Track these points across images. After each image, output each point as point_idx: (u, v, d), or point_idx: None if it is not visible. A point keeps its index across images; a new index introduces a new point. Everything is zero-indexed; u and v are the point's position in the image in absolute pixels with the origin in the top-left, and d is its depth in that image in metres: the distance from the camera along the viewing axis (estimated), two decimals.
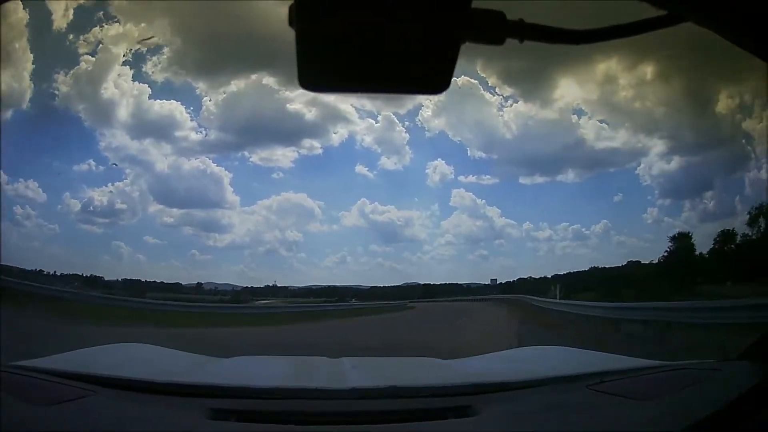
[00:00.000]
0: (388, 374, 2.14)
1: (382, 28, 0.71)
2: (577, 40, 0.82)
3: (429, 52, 0.74)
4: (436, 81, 0.77)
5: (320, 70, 0.76)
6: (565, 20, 0.81)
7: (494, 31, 0.78)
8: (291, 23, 0.70)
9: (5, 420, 1.10)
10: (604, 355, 2.24)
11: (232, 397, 1.40)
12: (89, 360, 1.92)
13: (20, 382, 1.38)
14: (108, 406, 1.32)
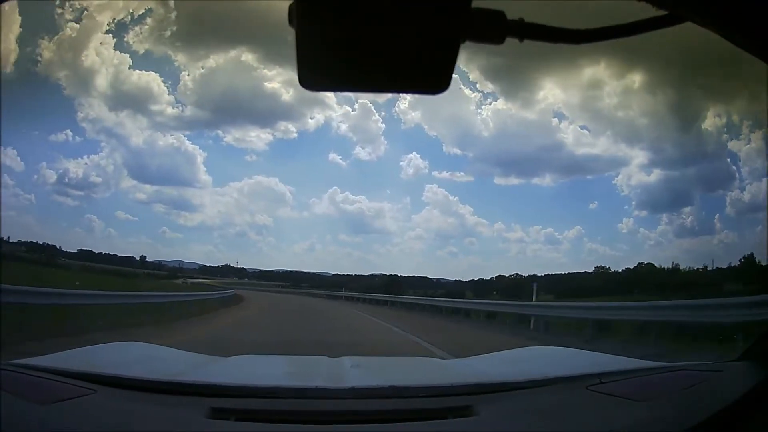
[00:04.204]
0: (388, 374, 2.14)
1: (382, 27, 0.71)
2: (577, 40, 0.82)
3: (429, 52, 0.74)
4: (436, 81, 0.77)
5: (320, 70, 0.76)
6: (565, 20, 0.81)
7: (494, 30, 0.78)
8: (291, 23, 0.70)
9: (5, 419, 1.10)
10: (604, 355, 2.24)
11: (233, 396, 1.40)
12: (89, 358, 1.92)
13: (20, 380, 1.38)
14: (108, 404, 1.32)
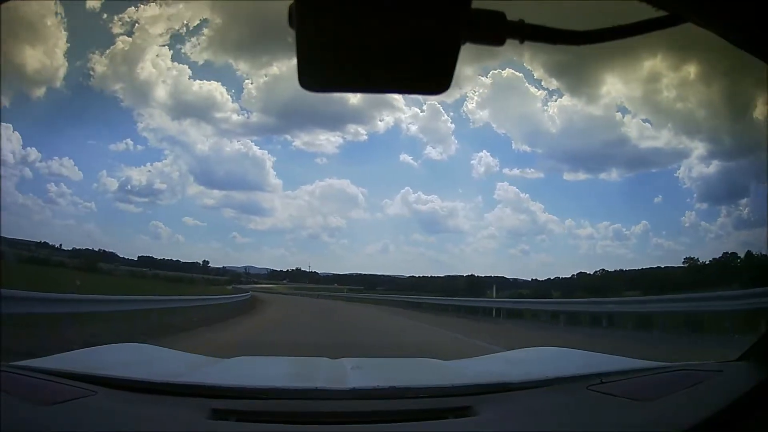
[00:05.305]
0: (389, 374, 2.14)
1: (382, 28, 0.71)
2: (577, 40, 0.82)
3: (429, 52, 0.74)
4: (436, 81, 0.77)
5: (320, 70, 0.76)
6: (565, 20, 0.81)
7: (494, 31, 0.78)
8: (291, 23, 0.70)
9: (5, 420, 1.10)
10: (604, 356, 2.24)
11: (233, 397, 1.40)
12: (90, 360, 1.92)
13: (20, 381, 1.38)
14: (108, 406, 1.32)
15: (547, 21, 0.80)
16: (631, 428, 1.27)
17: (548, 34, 0.80)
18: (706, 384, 1.36)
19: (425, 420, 1.34)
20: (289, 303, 24.57)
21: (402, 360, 3.58)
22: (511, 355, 2.76)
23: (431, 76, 0.76)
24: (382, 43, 0.73)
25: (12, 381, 1.36)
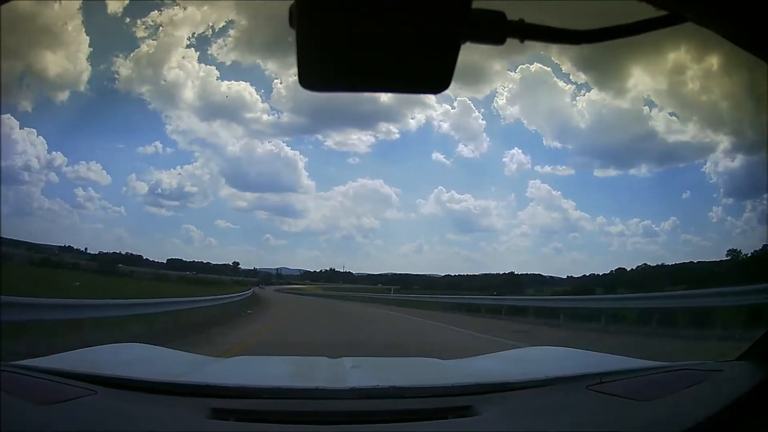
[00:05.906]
0: (389, 374, 2.14)
1: (382, 27, 0.72)
2: (577, 40, 0.82)
3: (429, 51, 0.74)
4: (436, 81, 0.77)
5: (320, 70, 0.76)
6: (565, 20, 0.81)
7: (495, 30, 0.78)
8: (291, 23, 0.71)
9: (5, 419, 1.10)
10: (604, 355, 2.24)
11: (233, 396, 1.40)
12: (89, 359, 1.92)
13: (20, 381, 1.38)
14: (108, 405, 1.32)
15: (547, 21, 0.80)
16: (631, 428, 1.27)
17: (548, 34, 0.80)
18: (706, 384, 1.36)
19: (425, 420, 1.34)
20: (299, 311, 18.71)
21: (402, 359, 3.57)
22: (512, 354, 2.76)
23: (431, 76, 0.77)
24: (382, 42, 0.73)
25: (12, 381, 1.36)
